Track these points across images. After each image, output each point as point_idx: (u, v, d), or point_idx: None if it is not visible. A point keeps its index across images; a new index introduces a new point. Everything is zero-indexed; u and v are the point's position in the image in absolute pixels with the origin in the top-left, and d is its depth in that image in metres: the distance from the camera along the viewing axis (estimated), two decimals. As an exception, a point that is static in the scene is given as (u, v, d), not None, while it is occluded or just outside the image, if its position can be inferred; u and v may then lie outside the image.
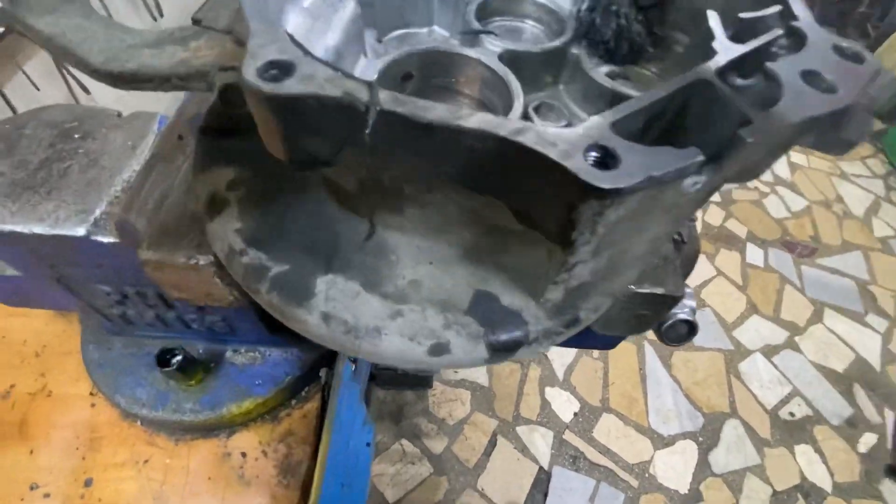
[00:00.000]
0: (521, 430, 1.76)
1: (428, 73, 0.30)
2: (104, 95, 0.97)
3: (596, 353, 1.92)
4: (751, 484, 1.70)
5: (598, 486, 1.67)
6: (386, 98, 0.17)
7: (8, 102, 0.84)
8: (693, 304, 0.50)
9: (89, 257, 0.38)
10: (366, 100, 0.16)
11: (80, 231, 0.36)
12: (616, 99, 0.30)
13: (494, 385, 1.88)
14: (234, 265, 0.24)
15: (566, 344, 0.55)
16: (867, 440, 1.77)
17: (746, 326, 1.98)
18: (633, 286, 0.27)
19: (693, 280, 2.34)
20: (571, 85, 0.32)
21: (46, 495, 0.48)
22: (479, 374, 1.90)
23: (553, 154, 0.16)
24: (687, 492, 1.67)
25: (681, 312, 0.49)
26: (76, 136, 0.42)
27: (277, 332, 0.50)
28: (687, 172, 0.16)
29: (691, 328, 0.50)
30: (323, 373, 0.56)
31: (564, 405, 1.83)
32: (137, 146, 0.41)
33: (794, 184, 2.34)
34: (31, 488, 0.48)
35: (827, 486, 1.70)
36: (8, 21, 0.23)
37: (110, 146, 0.41)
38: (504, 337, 0.23)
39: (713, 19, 0.23)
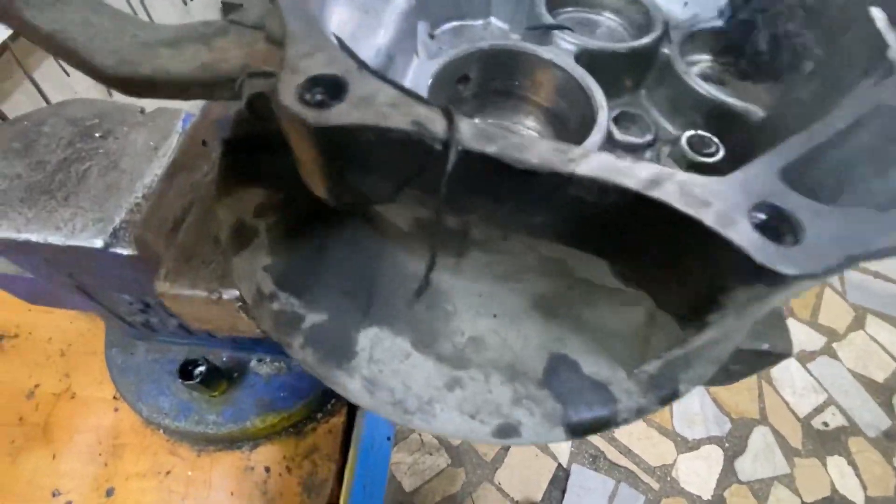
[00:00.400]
0: (541, 426, 1.72)
1: (489, 75, 0.25)
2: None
3: (621, 352, 1.86)
4: (778, 493, 1.63)
5: (618, 487, 1.63)
6: (469, 132, 0.12)
7: (38, 88, 0.82)
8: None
9: (108, 268, 0.35)
10: (443, 135, 0.12)
11: (98, 243, 0.33)
12: (714, 110, 0.25)
13: (515, 380, 1.83)
14: (261, 312, 0.20)
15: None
16: (905, 455, 1.67)
17: (781, 331, 1.88)
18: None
19: (726, 281, 2.23)
20: (657, 90, 0.27)
21: (68, 503, 0.46)
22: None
23: (707, 219, 0.11)
24: (710, 498, 1.61)
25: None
26: (97, 134, 0.38)
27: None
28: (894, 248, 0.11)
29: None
30: (350, 385, 0.52)
31: (586, 403, 1.78)
32: (160, 147, 0.37)
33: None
34: (54, 495, 0.46)
35: (859, 499, 1.62)
36: (6, 19, 0.19)
37: (131, 147, 0.37)
38: (587, 416, 0.18)
39: (881, 20, 0.17)
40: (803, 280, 0.11)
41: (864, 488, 1.63)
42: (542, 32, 0.26)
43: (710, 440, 1.71)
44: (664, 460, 1.68)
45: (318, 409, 0.51)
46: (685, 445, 1.71)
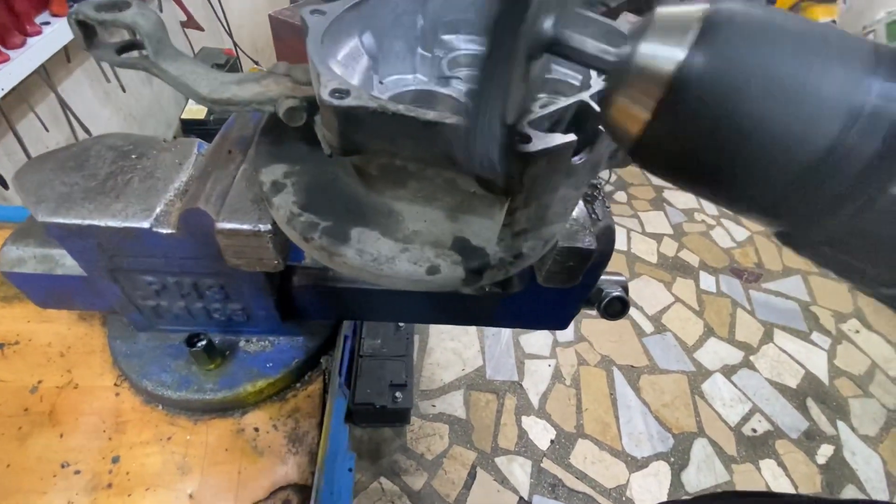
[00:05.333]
0: (500, 460, 1.82)
1: (417, 105, 0.45)
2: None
3: (568, 380, 2.03)
4: (722, 501, 1.78)
5: (579, 513, 1.72)
6: (402, 108, 0.31)
7: (19, 140, 0.95)
8: (626, 284, 0.65)
9: (147, 247, 0.50)
10: (392, 109, 0.31)
11: (145, 224, 0.48)
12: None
13: (472, 417, 1.94)
14: (294, 223, 0.36)
15: (527, 325, 0.68)
16: (825, 451, 1.91)
17: (706, 348, 2.15)
18: (561, 243, 0.41)
19: (653, 306, 2.51)
20: (516, 112, 0.48)
21: (77, 472, 0.55)
22: (457, 407, 1.97)
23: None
24: (663, 511, 1.73)
25: (615, 291, 0.64)
26: (133, 156, 0.54)
27: (288, 320, 0.62)
28: (568, 147, 0.31)
29: (624, 304, 0.65)
30: (324, 360, 0.66)
31: (541, 433, 1.91)
32: (183, 163, 0.54)
33: (736, 216, 2.62)
34: (63, 466, 0.55)
35: (792, 498, 1.80)
36: (148, 66, 0.37)
37: (162, 163, 0.54)
38: (475, 263, 0.36)
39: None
40: (530, 157, 0.30)
41: (796, 487, 1.83)
42: (446, 80, 0.47)
43: (657, 456, 1.88)
44: (618, 481, 1.81)
45: (297, 380, 0.64)
46: (635, 464, 1.86)
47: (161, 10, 1.53)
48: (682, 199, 2.73)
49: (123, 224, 0.47)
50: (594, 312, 0.66)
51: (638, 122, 0.23)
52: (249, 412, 0.61)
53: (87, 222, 0.47)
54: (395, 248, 0.36)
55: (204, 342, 0.57)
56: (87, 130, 1.11)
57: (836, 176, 0.20)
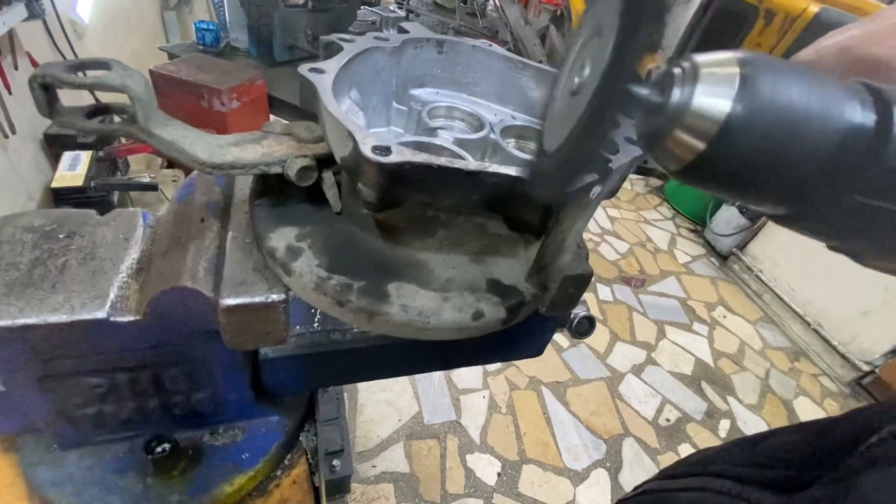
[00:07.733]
0: (452, 507, 1.77)
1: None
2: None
3: (504, 407, 2.08)
4: (656, 493, 1.94)
5: (536, 540, 1.73)
6: (445, 161, 0.32)
7: None
8: (586, 303, 0.71)
9: (101, 342, 0.42)
10: (437, 163, 0.32)
11: (101, 314, 0.41)
12: (521, 161, 0.50)
13: (416, 469, 1.88)
14: (324, 288, 0.34)
15: (506, 357, 0.70)
16: (724, 426, 2.20)
17: (615, 353, 2.37)
18: (566, 272, 0.45)
19: (566, 322, 2.66)
20: (494, 157, 0.51)
21: None
22: (399, 462, 1.89)
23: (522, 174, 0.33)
24: (611, 518, 1.84)
25: (582, 312, 0.70)
26: (61, 235, 0.46)
27: (261, 398, 0.55)
28: (591, 185, 0.35)
29: (591, 322, 0.71)
30: (303, 437, 0.60)
31: (487, 468, 1.91)
32: (129, 239, 0.47)
33: (616, 232, 3.00)
34: None
35: (709, 474, 2.03)
36: (134, 132, 0.32)
37: (102, 241, 0.46)
38: (513, 301, 0.37)
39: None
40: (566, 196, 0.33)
41: (709, 464, 2.07)
42: (431, 130, 0.49)
43: (595, 465, 1.99)
44: (566, 498, 1.88)
45: (276, 467, 0.58)
46: (577, 478, 1.95)
47: (17, 68, 1.30)
48: (570, 221, 3.04)
49: (71, 318, 0.39)
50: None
51: (693, 151, 0.28)
52: (227, 518, 0.53)
53: (19, 322, 0.38)
54: (437, 299, 0.36)
55: (168, 445, 0.49)
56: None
57: (827, 180, 0.27)
